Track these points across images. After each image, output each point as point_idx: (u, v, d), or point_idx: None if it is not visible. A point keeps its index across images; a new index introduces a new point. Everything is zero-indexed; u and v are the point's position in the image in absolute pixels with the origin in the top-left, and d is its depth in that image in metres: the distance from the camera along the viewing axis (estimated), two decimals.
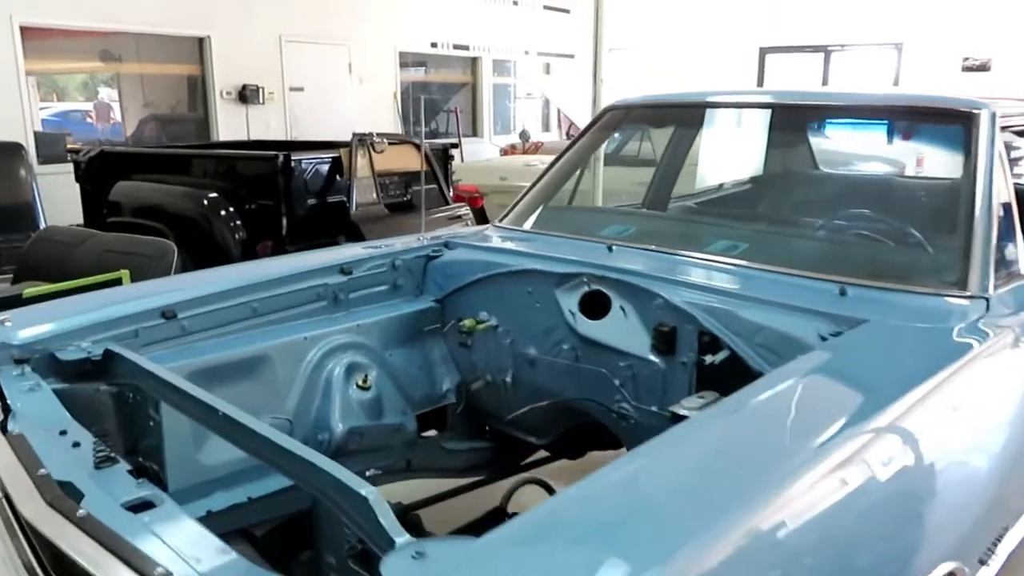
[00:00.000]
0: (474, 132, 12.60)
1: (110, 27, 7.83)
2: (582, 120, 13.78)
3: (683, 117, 3.25)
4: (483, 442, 2.78)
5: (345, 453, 2.32)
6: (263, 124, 9.01)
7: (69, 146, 5.95)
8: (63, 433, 1.64)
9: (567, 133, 13.25)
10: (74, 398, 1.89)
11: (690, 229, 2.63)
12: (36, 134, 7.37)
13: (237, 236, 4.97)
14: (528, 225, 2.96)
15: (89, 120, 8.79)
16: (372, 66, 10.51)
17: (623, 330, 2.23)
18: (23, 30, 7.11)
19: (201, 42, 8.62)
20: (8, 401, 1.77)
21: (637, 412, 2.22)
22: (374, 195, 5.24)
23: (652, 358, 2.16)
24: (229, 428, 1.62)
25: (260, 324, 2.37)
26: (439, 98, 12.61)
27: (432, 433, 2.64)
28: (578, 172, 3.27)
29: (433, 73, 12.30)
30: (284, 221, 4.88)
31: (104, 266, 4.84)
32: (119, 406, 2.00)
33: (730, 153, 3.38)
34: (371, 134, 5.24)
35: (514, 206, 3.15)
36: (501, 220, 3.12)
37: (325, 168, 5.12)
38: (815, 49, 12.96)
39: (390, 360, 2.54)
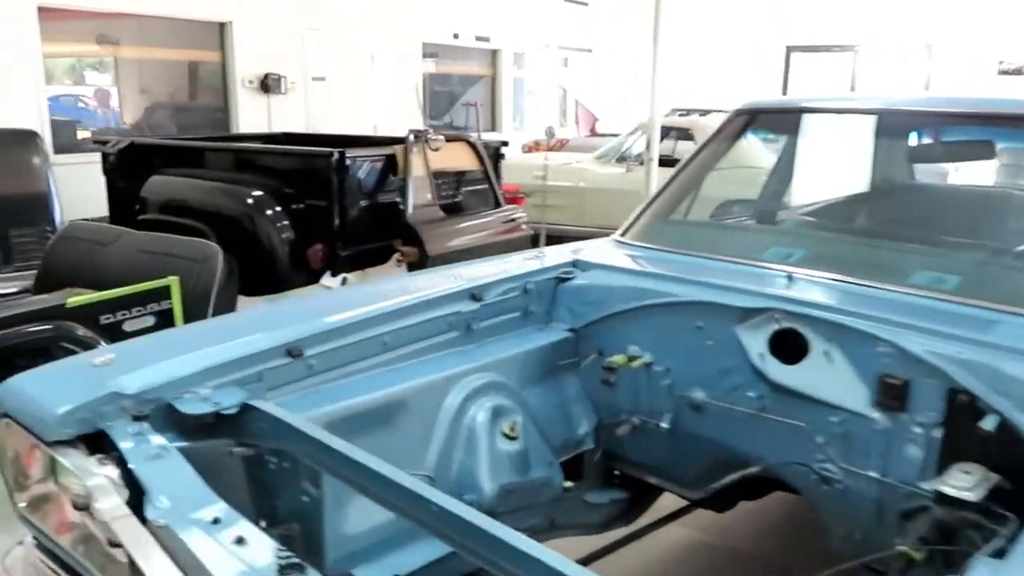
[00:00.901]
0: (493, 127, 12.22)
1: (126, 9, 7.40)
2: (607, 117, 13.51)
3: (819, 122, 2.92)
4: (621, 492, 2.44)
5: (493, 515, 1.98)
6: (284, 115, 8.61)
7: (94, 137, 5.52)
8: (216, 522, 1.29)
9: (591, 130, 12.90)
10: (195, 458, 1.54)
11: (877, 255, 2.30)
12: (52, 122, 6.94)
13: (284, 237, 4.59)
14: (663, 242, 2.62)
15: (82, 106, 8.24)
16: (395, 57, 10.12)
17: (829, 378, 1.89)
18: (40, 11, 6.67)
19: (222, 27, 8.19)
20: (136, 474, 1.42)
21: (847, 476, 1.88)
22: (429, 195, 4.88)
23: (872, 415, 1.83)
24: (394, 494, 1.37)
25: (390, 360, 2.02)
26: (458, 91, 12.24)
27: (569, 485, 2.30)
28: (699, 181, 2.94)
29: (451, 65, 11.91)
30: (336, 223, 4.51)
31: (139, 268, 4.46)
32: (256, 471, 1.65)
33: (866, 163, 3.04)
34: (427, 130, 4.88)
35: (637, 218, 2.81)
36: (624, 234, 2.78)
37: (379, 166, 4.75)
38: (842, 48, 12.67)
39: (529, 401, 2.20)
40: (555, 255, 2.59)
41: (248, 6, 8.24)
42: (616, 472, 2.45)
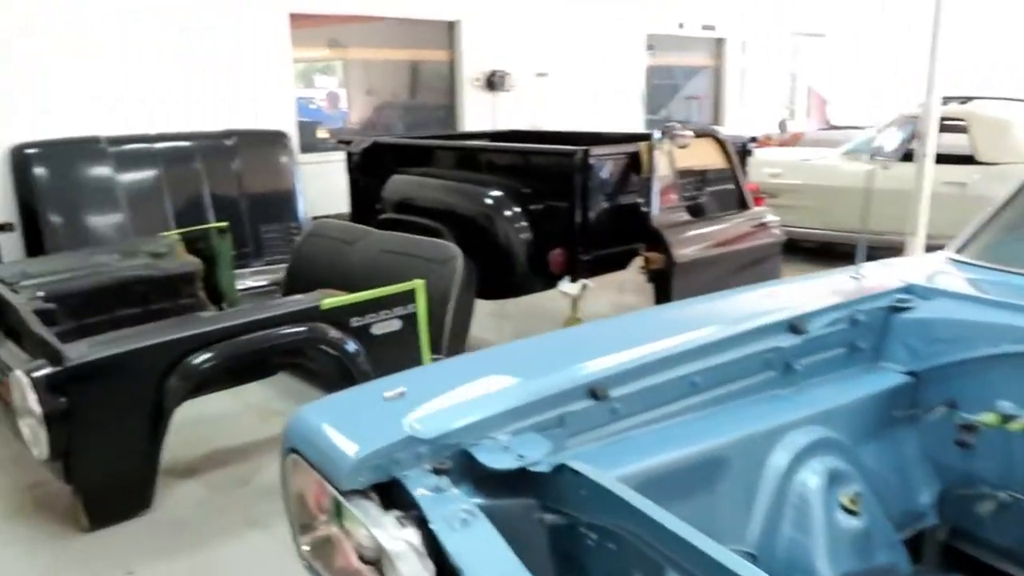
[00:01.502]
0: (715, 120, 11.55)
1: (365, 12, 7.63)
2: (842, 107, 12.39)
3: None
4: None
5: None
6: (507, 112, 8.56)
7: (336, 136, 5.70)
8: None
9: (827, 122, 11.85)
10: (497, 519, 1.29)
11: None
12: (299, 123, 7.30)
13: (523, 239, 4.41)
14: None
15: (313, 107, 8.58)
16: (617, 50, 9.78)
17: None
18: (292, 17, 7.03)
19: (452, 26, 8.27)
20: (444, 547, 1.19)
21: None
22: (674, 197, 4.49)
23: None
24: None
25: (700, 405, 1.69)
26: (678, 83, 11.68)
27: (913, 570, 1.84)
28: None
29: (671, 56, 11.36)
30: (578, 225, 4.25)
31: (381, 268, 4.47)
32: (566, 543, 1.37)
33: None
34: (674, 125, 4.49)
35: (979, 231, 2.27)
36: (962, 250, 2.25)
37: (622, 165, 4.44)
38: None
39: (865, 462, 1.77)
40: (876, 276, 2.13)
41: (478, 4, 8.26)
42: (964, 555, 1.96)
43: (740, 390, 1.75)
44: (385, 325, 3.59)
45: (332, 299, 3.43)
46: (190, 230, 5.07)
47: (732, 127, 11.27)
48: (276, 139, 6.85)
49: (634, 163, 4.45)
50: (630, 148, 4.45)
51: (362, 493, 1.32)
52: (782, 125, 9.97)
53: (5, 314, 3.52)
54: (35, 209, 5.65)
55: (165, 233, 5.02)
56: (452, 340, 4.10)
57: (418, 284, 3.68)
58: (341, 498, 1.33)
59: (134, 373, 2.92)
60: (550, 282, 4.44)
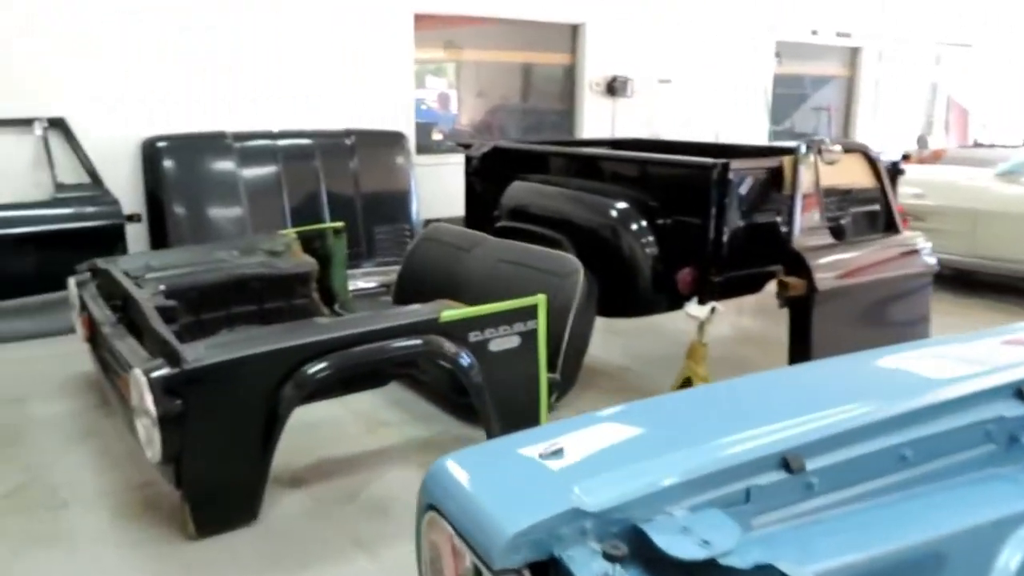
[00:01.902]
0: (845, 134, 10.90)
1: (490, 13, 7.51)
2: (987, 122, 11.49)
3: None
4: None
5: None
6: (626, 119, 8.27)
7: (452, 139, 5.57)
8: None
9: (972, 140, 10.99)
10: None
11: None
12: (417, 124, 7.25)
13: (648, 255, 4.13)
14: None
15: (424, 108, 8.44)
16: (744, 58, 9.34)
17: None
18: (416, 18, 6.98)
19: (575, 30, 8.05)
20: None
21: None
22: (817, 216, 4.12)
23: None
24: None
25: (909, 482, 1.39)
26: (804, 93, 11.08)
27: None
28: None
29: (799, 65, 10.78)
30: (711, 243, 3.95)
31: (498, 278, 4.29)
32: None
33: None
34: (821, 140, 4.11)
35: None
36: None
37: (762, 180, 4.10)
38: None
39: None
40: None
41: (603, 7, 8.01)
42: None
43: (954, 466, 1.44)
44: (504, 341, 3.39)
45: (452, 311, 3.26)
46: (307, 229, 5.04)
47: (865, 142, 10.60)
48: (394, 140, 6.81)
49: (775, 179, 4.11)
50: (772, 162, 4.10)
51: (515, 572, 1.11)
52: (922, 141, 9.27)
53: (128, 308, 3.53)
54: (161, 200, 5.77)
55: (283, 231, 5.00)
56: (568, 359, 3.88)
57: (540, 300, 3.47)
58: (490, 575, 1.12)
59: (251, 379, 2.83)
60: (675, 302, 4.15)
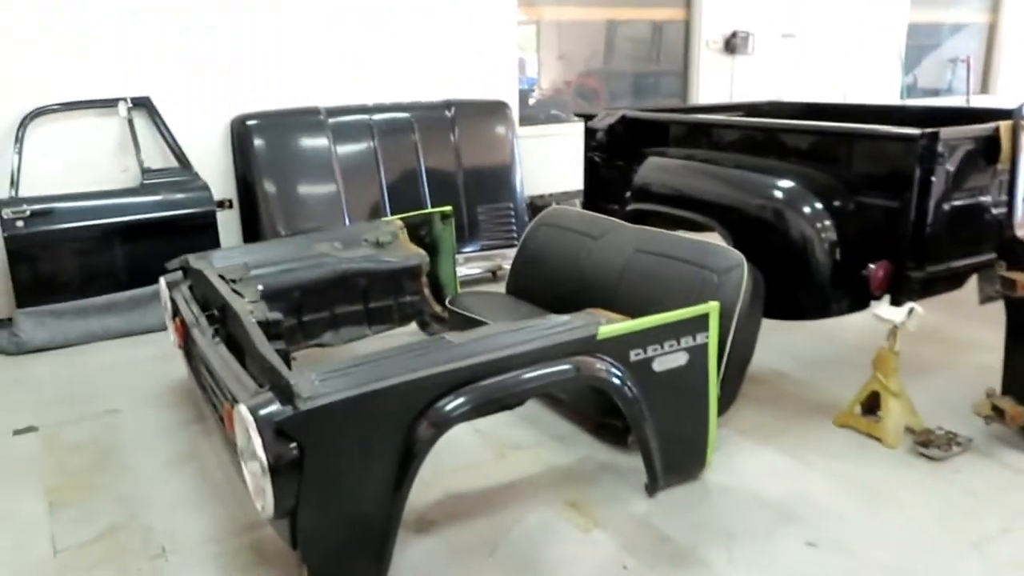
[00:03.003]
0: (984, 88, 9.75)
1: None
2: None
3: None
4: None
5: None
6: (747, 79, 7.45)
7: (576, 110, 4.89)
8: None
9: None
10: None
11: None
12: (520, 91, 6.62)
13: (827, 246, 3.44)
14: None
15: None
16: (876, 5, 8.33)
17: None
18: None
19: None
20: None
21: None
22: None
23: None
24: None
25: None
26: (934, 43, 9.94)
27: None
28: None
29: (932, 11, 9.63)
30: (910, 232, 3.22)
31: (637, 272, 3.62)
32: None
33: None
34: None
35: None
36: None
37: (972, 153, 3.34)
38: None
39: None
40: None
41: None
42: None
43: None
44: (669, 359, 2.78)
45: (611, 326, 2.66)
46: (412, 215, 4.51)
47: (1005, 98, 9.47)
48: (497, 110, 6.21)
49: (989, 150, 3.34)
50: (985, 130, 3.33)
51: None
52: None
53: (226, 319, 3.05)
54: (252, 183, 5.33)
55: (387, 218, 4.48)
56: (730, 371, 3.23)
57: (712, 308, 2.83)
58: None
59: (379, 418, 2.30)
60: (860, 302, 3.46)
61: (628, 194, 4.34)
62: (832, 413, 3.56)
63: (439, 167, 5.90)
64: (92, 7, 4.88)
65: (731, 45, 7.32)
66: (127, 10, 4.98)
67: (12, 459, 3.37)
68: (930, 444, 3.24)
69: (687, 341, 2.81)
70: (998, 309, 3.28)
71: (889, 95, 8.65)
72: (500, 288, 4.36)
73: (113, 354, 4.54)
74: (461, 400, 2.37)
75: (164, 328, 4.78)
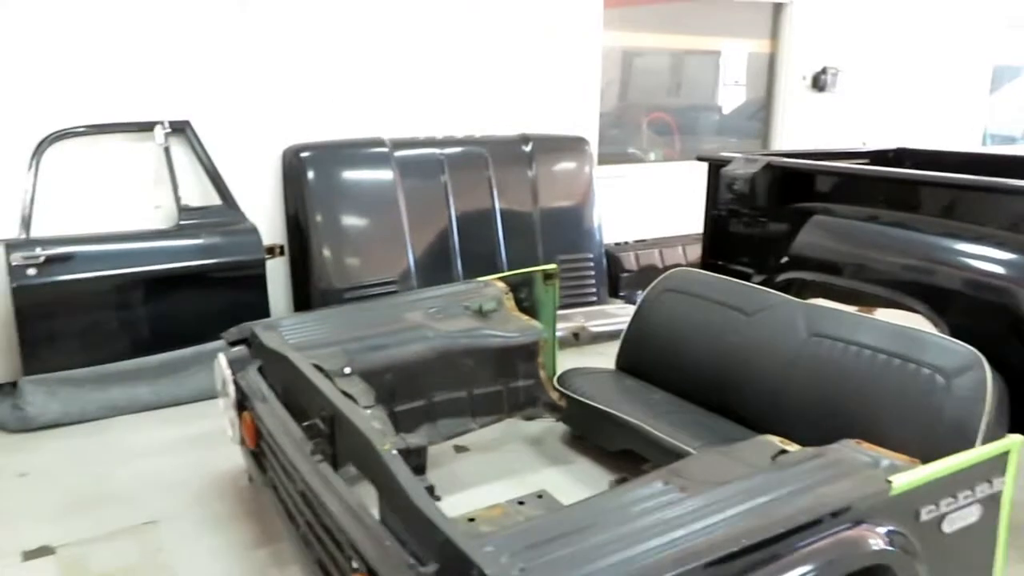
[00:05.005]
0: None
1: None
2: None
3: None
4: None
5: None
6: (831, 119, 6.77)
7: (700, 154, 4.15)
8: None
9: None
10: None
11: None
12: None
13: None
14: None
15: None
16: (963, 39, 7.71)
17: None
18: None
19: (777, 9, 6.57)
20: None
21: None
22: None
23: None
24: None
25: None
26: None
27: None
28: None
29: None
30: None
31: (819, 365, 2.92)
32: None
33: None
34: None
35: None
36: None
37: None
38: None
39: None
40: None
41: None
42: None
43: None
44: (961, 515, 2.01)
45: (909, 475, 1.88)
46: (512, 273, 3.75)
47: None
48: (576, 146, 5.47)
49: None
50: None
51: None
52: None
53: (334, 434, 2.23)
54: (306, 225, 4.54)
55: (485, 278, 3.70)
56: None
57: (1015, 443, 2.07)
58: None
59: None
60: None
61: (783, 259, 3.59)
62: None
63: (515, 208, 5.14)
64: (125, 14, 4.11)
65: (820, 82, 6.64)
66: (167, 19, 4.21)
67: None
68: None
69: (983, 490, 2.04)
70: None
71: (970, 140, 8.01)
72: (586, 358, 3.60)
73: (141, 434, 3.71)
74: None
75: (198, 399, 4.00)
